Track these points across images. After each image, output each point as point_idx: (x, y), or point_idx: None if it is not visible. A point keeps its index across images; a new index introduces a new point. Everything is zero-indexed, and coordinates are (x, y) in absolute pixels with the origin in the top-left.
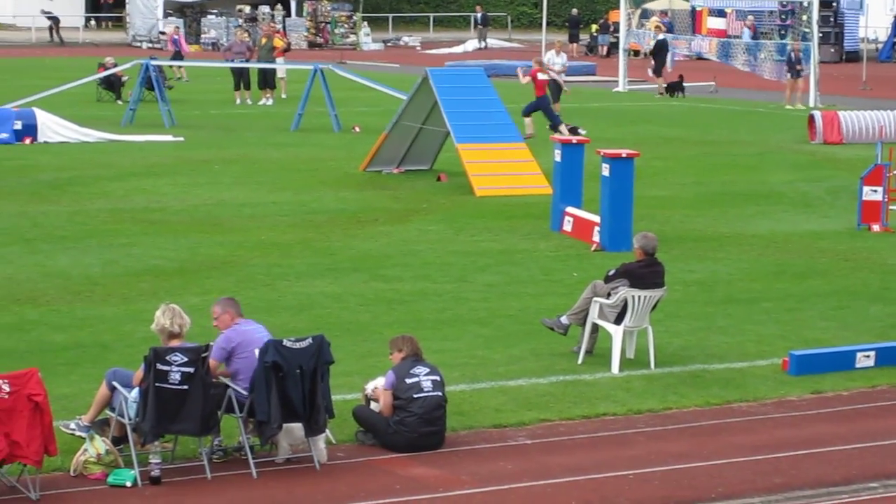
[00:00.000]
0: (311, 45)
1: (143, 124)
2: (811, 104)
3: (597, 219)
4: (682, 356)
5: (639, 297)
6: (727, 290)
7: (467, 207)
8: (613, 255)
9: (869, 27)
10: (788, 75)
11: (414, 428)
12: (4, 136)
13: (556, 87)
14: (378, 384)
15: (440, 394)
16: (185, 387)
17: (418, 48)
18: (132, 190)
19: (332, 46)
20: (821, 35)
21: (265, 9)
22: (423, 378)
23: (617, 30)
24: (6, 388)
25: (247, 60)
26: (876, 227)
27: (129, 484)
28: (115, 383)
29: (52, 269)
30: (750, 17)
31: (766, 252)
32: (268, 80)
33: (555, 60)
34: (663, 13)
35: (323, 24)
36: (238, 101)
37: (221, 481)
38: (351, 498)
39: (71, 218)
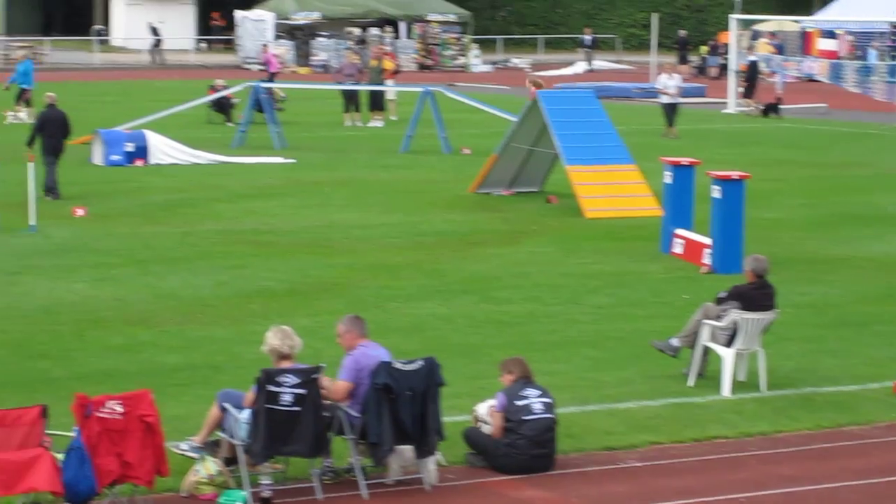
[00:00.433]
0: (421, 67)
1: (253, 146)
2: None
3: (707, 241)
4: (793, 379)
5: (750, 319)
6: (839, 312)
7: (577, 229)
8: (724, 277)
9: None
10: None
11: (524, 450)
12: (116, 158)
13: (671, 109)
14: (488, 406)
15: (551, 416)
16: (297, 408)
17: (528, 70)
18: (243, 212)
19: (441, 68)
20: None
21: (375, 31)
22: (533, 400)
23: (727, 51)
24: (119, 409)
25: (357, 82)
26: None
27: None
28: (226, 404)
29: (163, 290)
30: (850, 38)
31: (879, 275)
32: (377, 102)
33: (667, 83)
34: (773, 34)
35: (432, 46)
36: (348, 123)
37: (332, 502)
38: None
39: (182, 239)
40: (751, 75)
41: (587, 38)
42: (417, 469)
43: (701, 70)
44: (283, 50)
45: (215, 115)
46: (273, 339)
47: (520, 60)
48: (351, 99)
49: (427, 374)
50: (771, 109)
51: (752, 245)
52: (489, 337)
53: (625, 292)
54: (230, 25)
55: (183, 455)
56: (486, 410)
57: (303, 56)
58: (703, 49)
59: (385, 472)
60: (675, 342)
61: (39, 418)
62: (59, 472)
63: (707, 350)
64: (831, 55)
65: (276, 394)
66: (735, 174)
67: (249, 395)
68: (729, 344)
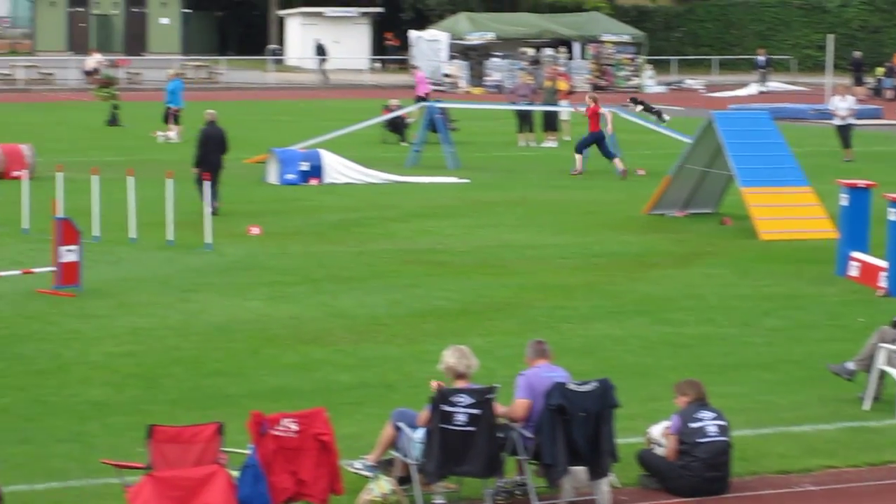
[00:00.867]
0: (595, 87)
1: (427, 166)
2: None
3: (884, 264)
4: None
5: None
6: None
7: (751, 251)
8: None
9: None
10: None
11: (698, 473)
12: (291, 177)
13: (844, 131)
14: (662, 428)
15: (725, 439)
16: (471, 428)
17: (702, 91)
18: (416, 231)
19: (615, 89)
20: None
21: (549, 51)
22: (708, 423)
23: None
24: (294, 427)
25: (531, 103)
26: None
27: None
28: (400, 423)
29: (337, 309)
30: None
31: None
32: (551, 122)
33: (839, 105)
34: None
35: (606, 67)
36: (522, 144)
37: None
38: None
39: (356, 258)
40: None
41: (761, 59)
42: (591, 491)
43: (877, 92)
44: (456, 69)
45: (389, 135)
46: (450, 357)
47: (694, 81)
48: (525, 119)
49: (601, 396)
50: None
51: None
52: (663, 358)
53: (799, 315)
54: (404, 45)
55: (357, 474)
56: (660, 432)
57: (476, 76)
58: (879, 71)
59: (558, 494)
60: (850, 366)
61: (215, 435)
62: (235, 490)
63: (883, 374)
64: None
65: (451, 413)
66: None
67: (424, 414)
68: None
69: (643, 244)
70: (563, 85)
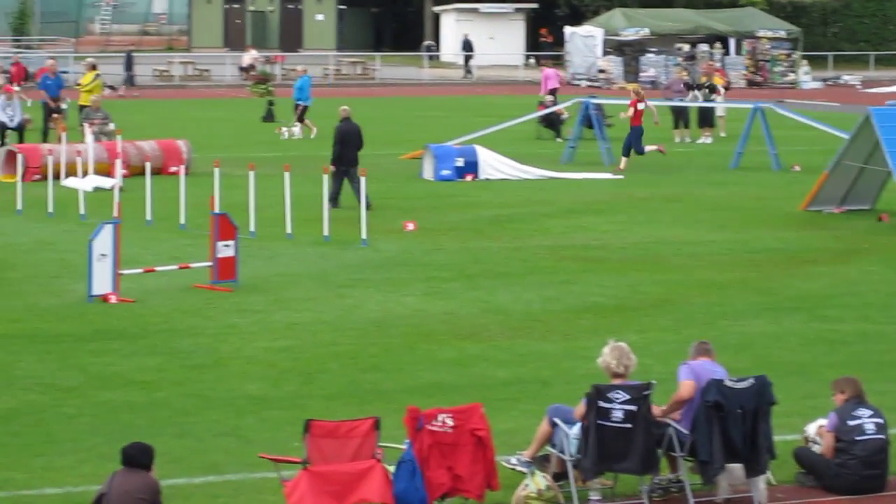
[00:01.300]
0: (750, 83)
1: (582, 162)
2: None
3: None
4: None
5: None
6: None
7: None
8: None
9: None
10: None
11: (856, 471)
12: (447, 172)
13: None
14: (818, 426)
15: (883, 437)
16: (628, 425)
17: (858, 87)
18: (572, 227)
19: (770, 85)
20: None
21: (704, 47)
22: (865, 420)
23: None
24: (450, 422)
25: (685, 98)
26: None
27: None
28: (556, 419)
29: (492, 304)
30: None
31: None
32: (707, 118)
33: None
34: None
35: (762, 63)
36: (677, 140)
37: None
38: None
39: (511, 254)
40: None
41: None
42: (747, 488)
43: None
44: (609, 64)
45: (545, 131)
46: (609, 356)
47: (850, 77)
48: (680, 115)
49: (758, 393)
50: None
51: None
52: (820, 356)
53: None
54: (559, 41)
55: (513, 469)
56: (816, 430)
57: (631, 72)
58: None
59: (714, 491)
60: None
61: (372, 430)
62: (391, 485)
63: None
64: None
65: (607, 410)
66: None
67: (580, 408)
68: None
69: (800, 241)
70: (718, 81)
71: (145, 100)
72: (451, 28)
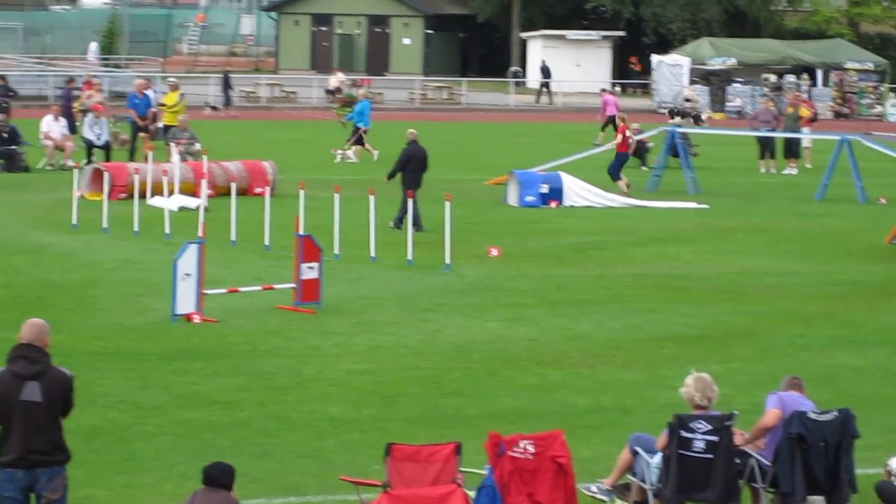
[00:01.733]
0: (837, 115)
1: (667, 191)
2: None
3: None
4: None
5: None
6: None
7: None
8: None
9: None
10: None
11: None
12: (531, 199)
13: None
14: None
15: None
16: (709, 455)
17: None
18: (655, 256)
19: (857, 117)
20: None
21: (791, 78)
22: None
23: None
24: (531, 448)
25: (772, 129)
26: None
27: None
28: (637, 448)
29: (575, 332)
30: None
31: None
32: (793, 149)
33: None
34: None
35: (849, 95)
36: (762, 170)
37: None
38: None
39: (595, 282)
40: None
41: None
42: None
43: None
44: (695, 93)
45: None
46: (693, 388)
47: None
48: (766, 145)
49: (841, 426)
50: None
51: None
52: None
53: None
54: (646, 70)
55: (593, 497)
56: None
57: (717, 101)
58: None
59: None
60: None
61: (453, 455)
62: None
63: None
64: None
65: (689, 440)
66: None
67: (662, 438)
68: None
69: (885, 273)
70: (805, 112)
71: (232, 121)
72: (538, 54)
